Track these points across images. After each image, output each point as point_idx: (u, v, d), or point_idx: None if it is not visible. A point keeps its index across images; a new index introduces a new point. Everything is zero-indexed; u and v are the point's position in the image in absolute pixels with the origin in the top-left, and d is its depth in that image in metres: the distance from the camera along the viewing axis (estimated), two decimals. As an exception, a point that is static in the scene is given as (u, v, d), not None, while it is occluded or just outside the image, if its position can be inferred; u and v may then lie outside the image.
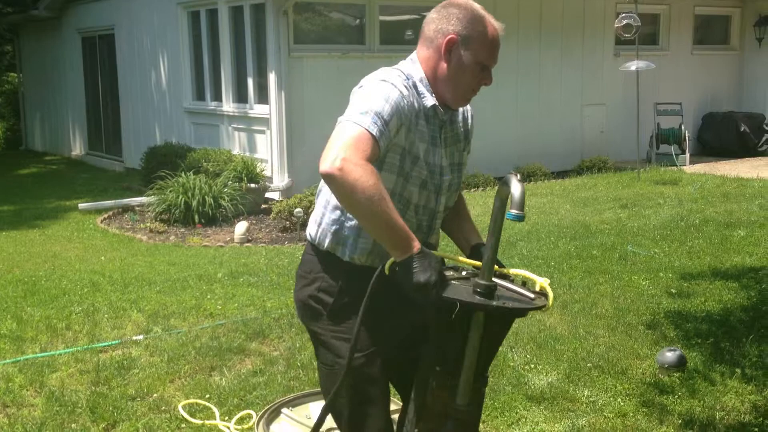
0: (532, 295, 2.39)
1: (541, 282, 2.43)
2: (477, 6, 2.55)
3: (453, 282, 2.34)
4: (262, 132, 11.52)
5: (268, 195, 11.17)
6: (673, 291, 6.58)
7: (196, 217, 9.86)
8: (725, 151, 15.12)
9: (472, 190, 11.95)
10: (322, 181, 2.33)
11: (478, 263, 2.42)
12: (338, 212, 2.57)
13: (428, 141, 2.54)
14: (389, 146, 2.37)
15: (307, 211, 9.58)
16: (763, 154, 15.32)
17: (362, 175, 2.15)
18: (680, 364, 5.06)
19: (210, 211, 9.86)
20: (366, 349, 2.56)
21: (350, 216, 2.49)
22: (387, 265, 2.35)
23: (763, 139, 15.43)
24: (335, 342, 2.61)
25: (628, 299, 6.41)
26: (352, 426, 2.65)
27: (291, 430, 4.31)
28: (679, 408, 4.50)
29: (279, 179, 11.28)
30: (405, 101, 2.40)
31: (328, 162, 2.17)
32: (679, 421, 4.36)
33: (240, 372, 5.15)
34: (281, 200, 10.20)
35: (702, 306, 6.26)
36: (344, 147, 2.19)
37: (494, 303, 2.30)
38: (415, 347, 2.61)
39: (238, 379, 5.00)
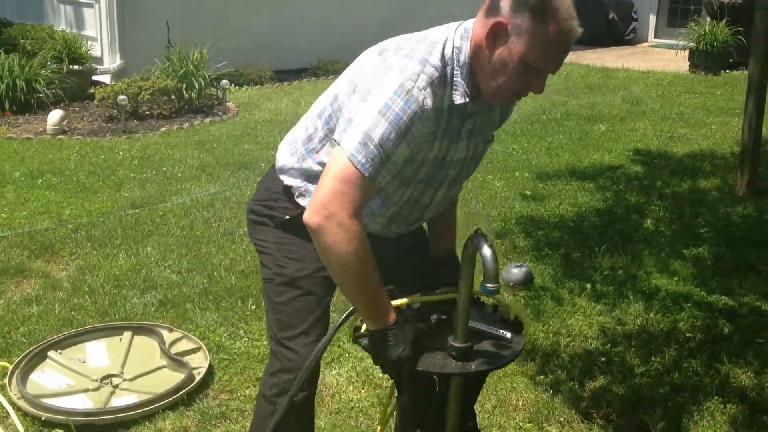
0: (508, 335, 2.22)
1: (516, 312, 2.30)
2: None
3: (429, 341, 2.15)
4: (90, 5, 10.13)
5: (97, 78, 9.91)
6: (528, 193, 6.06)
7: (7, 103, 8.57)
8: (593, 39, 14.80)
9: (330, 76, 11.09)
10: (326, 100, 2.19)
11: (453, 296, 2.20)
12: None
13: (446, 138, 2.11)
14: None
15: (136, 98, 8.47)
16: (630, 42, 15.14)
17: (341, 240, 1.93)
18: (527, 281, 4.49)
19: (22, 97, 8.59)
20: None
21: None
22: (351, 322, 2.17)
23: (631, 27, 15.23)
24: (278, 254, 2.35)
25: (480, 203, 5.84)
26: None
27: (57, 379, 3.51)
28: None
29: (109, 60, 10.03)
30: (423, 119, 1.97)
31: (312, 210, 1.94)
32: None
33: (11, 300, 4.26)
34: (107, 85, 9.00)
35: (556, 210, 5.78)
36: (333, 195, 1.93)
37: (472, 366, 2.12)
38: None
39: (5, 310, 4.12)
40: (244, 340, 3.98)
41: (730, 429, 3.20)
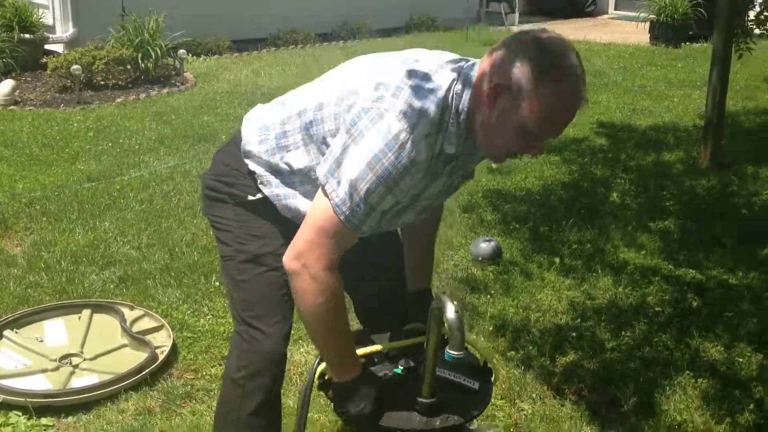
0: (476, 385, 2.23)
1: (485, 357, 2.33)
2: (569, 59, 1.80)
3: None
4: (41, -30, 9.78)
5: (50, 48, 9.59)
6: (494, 166, 6.00)
7: (-46, 74, 8.27)
8: (555, 10, 14.80)
9: (291, 47, 10.90)
10: (309, 102, 2.09)
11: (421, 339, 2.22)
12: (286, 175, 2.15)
13: (426, 178, 1.96)
14: None
15: (91, 67, 8.21)
16: (590, 14, 15.14)
17: (312, 291, 1.91)
18: (495, 256, 4.48)
19: (-30, 67, 8.29)
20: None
21: (289, 194, 2.15)
22: (317, 372, 2.17)
23: (591, -1, 15.24)
24: (239, 231, 2.25)
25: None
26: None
27: (14, 359, 3.38)
28: (491, 310, 3.92)
29: (62, 29, 9.70)
30: (413, 173, 1.86)
31: (289, 255, 1.93)
32: (491, 327, 3.78)
33: (-38, 278, 4.09)
34: (60, 55, 8.71)
35: (522, 183, 5.74)
36: (309, 246, 1.90)
37: (437, 423, 2.11)
38: None
39: (-43, 289, 3.95)
40: (208, 317, 3.87)
41: (701, 403, 3.20)
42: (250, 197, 2.23)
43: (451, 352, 1.97)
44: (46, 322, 3.64)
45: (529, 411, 3.18)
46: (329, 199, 1.87)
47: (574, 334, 3.74)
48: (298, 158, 2.10)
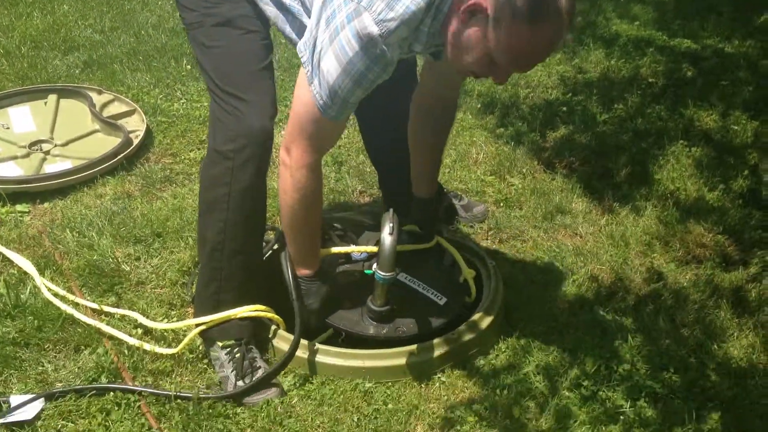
0: (442, 300, 2.28)
1: (467, 273, 2.37)
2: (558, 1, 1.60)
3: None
4: None
5: None
6: None
7: None
8: None
9: None
10: None
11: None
12: None
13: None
14: None
15: None
16: None
17: (291, 186, 1.98)
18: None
19: None
20: None
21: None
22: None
23: None
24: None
25: None
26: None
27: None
28: (479, 87, 3.77)
29: None
30: (384, 70, 1.79)
31: (283, 145, 1.97)
32: (479, 105, 3.65)
33: None
34: None
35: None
36: (302, 136, 1.93)
37: (384, 331, 2.17)
38: None
39: None
40: (182, 101, 3.68)
41: (695, 171, 3.13)
42: None
43: (379, 272, 2.03)
44: (11, 109, 3.44)
45: (519, 186, 3.11)
46: (311, 94, 1.84)
47: (564, 108, 3.61)
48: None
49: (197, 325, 2.17)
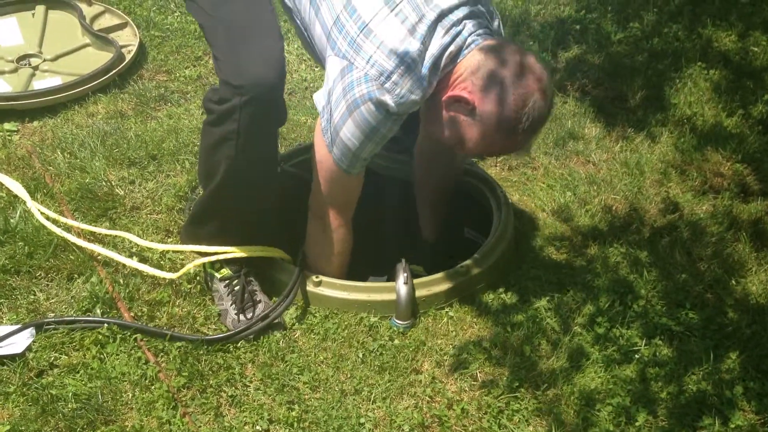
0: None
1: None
2: (536, 109, 1.73)
3: None
4: None
5: None
6: None
7: None
8: None
9: None
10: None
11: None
12: None
13: None
14: None
15: None
16: None
17: (338, 239, 2.06)
18: None
19: None
20: None
21: None
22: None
23: None
24: None
25: None
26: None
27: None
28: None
29: None
30: (395, 127, 1.85)
31: (316, 216, 2.07)
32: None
33: None
34: None
35: None
36: (333, 198, 2.01)
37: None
38: None
39: None
40: (176, 14, 3.51)
41: (712, 95, 3.00)
42: None
43: (397, 321, 2.01)
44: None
45: (530, 108, 2.97)
46: (331, 160, 1.89)
47: (577, 27, 3.44)
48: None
49: (199, 254, 2.08)
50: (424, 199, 2.40)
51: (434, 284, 2.06)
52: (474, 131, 1.77)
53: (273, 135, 1.98)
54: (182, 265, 2.14)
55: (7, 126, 2.79)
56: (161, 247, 2.19)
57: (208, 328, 2.04)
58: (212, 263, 2.09)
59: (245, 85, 1.80)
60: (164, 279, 2.09)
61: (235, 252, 2.05)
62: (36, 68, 3.07)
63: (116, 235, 2.26)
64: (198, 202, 2.11)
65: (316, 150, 1.93)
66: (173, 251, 2.20)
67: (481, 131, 1.76)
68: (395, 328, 2.01)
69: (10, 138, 2.74)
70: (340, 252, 2.10)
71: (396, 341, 1.97)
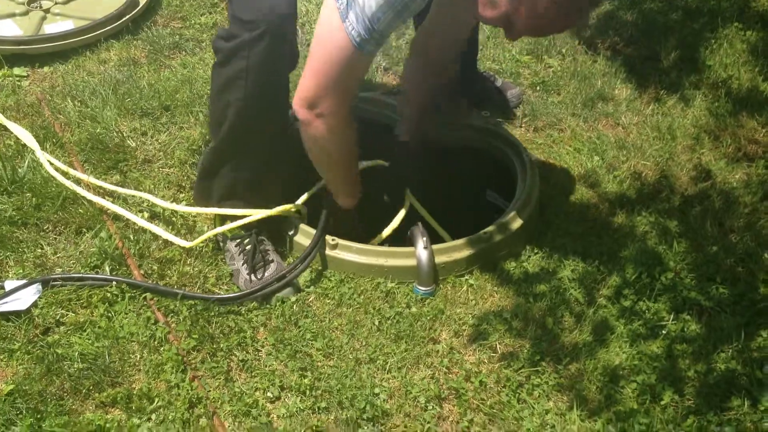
0: None
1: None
2: None
3: None
4: None
5: None
6: None
7: None
8: None
9: None
10: None
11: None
12: None
13: None
14: None
15: None
16: None
17: (333, 134, 1.80)
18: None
19: None
20: None
21: None
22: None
23: None
24: None
25: None
26: None
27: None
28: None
29: None
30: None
31: (304, 99, 1.75)
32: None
33: None
34: None
35: None
36: (327, 81, 1.73)
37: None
38: None
39: None
40: (193, -43, 3.39)
41: (749, 58, 2.87)
42: None
43: (419, 288, 1.94)
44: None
45: (558, 67, 2.87)
46: (344, 32, 1.66)
47: None
48: None
49: (218, 218, 2.01)
50: (414, 100, 2.24)
51: (455, 250, 1.98)
52: (523, 10, 1.55)
53: (284, 77, 1.89)
54: (194, 222, 2.07)
55: (16, 71, 2.71)
56: (184, 209, 2.10)
57: (220, 288, 1.98)
58: (222, 222, 2.01)
59: (255, 19, 1.73)
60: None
61: (256, 213, 1.97)
62: (47, 11, 2.98)
63: (135, 195, 2.18)
64: (207, 152, 2.02)
65: (320, 24, 1.73)
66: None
67: (531, 7, 1.53)
68: (416, 295, 1.93)
69: (19, 83, 2.67)
70: (342, 143, 1.89)
71: (413, 309, 1.90)
